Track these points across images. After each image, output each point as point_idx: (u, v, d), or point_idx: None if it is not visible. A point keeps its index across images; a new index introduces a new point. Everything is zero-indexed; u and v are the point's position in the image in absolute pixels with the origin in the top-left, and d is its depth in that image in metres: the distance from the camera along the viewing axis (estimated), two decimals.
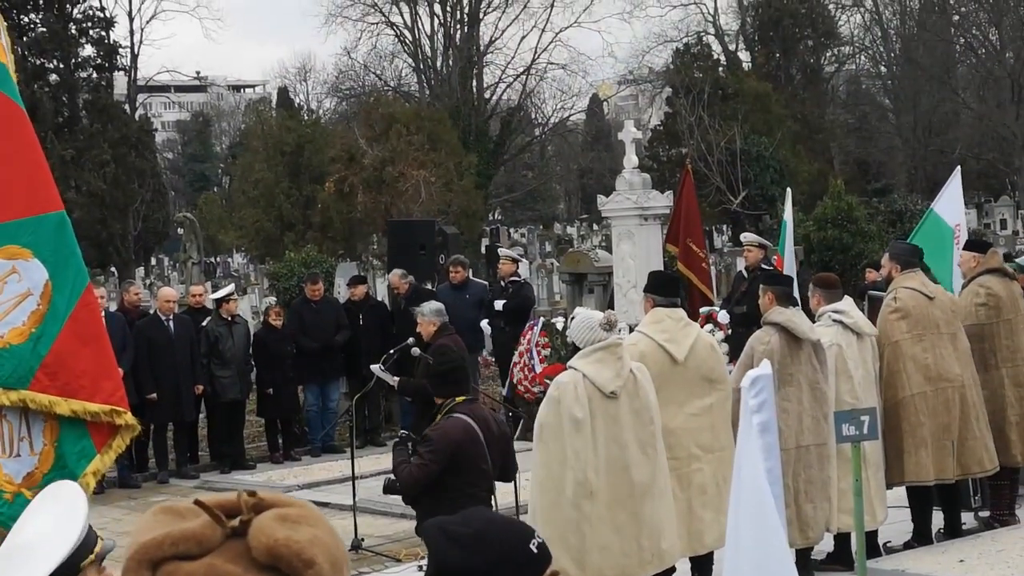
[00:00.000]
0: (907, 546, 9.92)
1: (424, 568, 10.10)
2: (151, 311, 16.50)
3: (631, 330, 11.52)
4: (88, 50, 47.69)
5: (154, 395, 14.77)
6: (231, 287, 18.18)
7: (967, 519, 10.51)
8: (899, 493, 10.18)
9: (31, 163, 6.39)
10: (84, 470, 6.25)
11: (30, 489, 5.92)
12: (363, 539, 11.07)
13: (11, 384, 6.13)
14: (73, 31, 46.83)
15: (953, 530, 10.12)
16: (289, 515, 1.61)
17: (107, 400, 6.31)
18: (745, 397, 5.37)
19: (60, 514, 3.20)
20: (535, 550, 2.43)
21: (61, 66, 46.56)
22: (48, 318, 6.19)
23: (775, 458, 6.07)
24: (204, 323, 15.66)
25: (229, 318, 15.77)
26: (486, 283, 19.41)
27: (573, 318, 8.56)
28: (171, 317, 15.23)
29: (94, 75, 47.75)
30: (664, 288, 9.16)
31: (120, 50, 49.67)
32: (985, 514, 10.58)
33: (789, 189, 18.14)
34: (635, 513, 8.02)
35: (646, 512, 8.06)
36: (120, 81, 53.12)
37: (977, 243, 11.69)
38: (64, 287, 6.25)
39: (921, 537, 10.01)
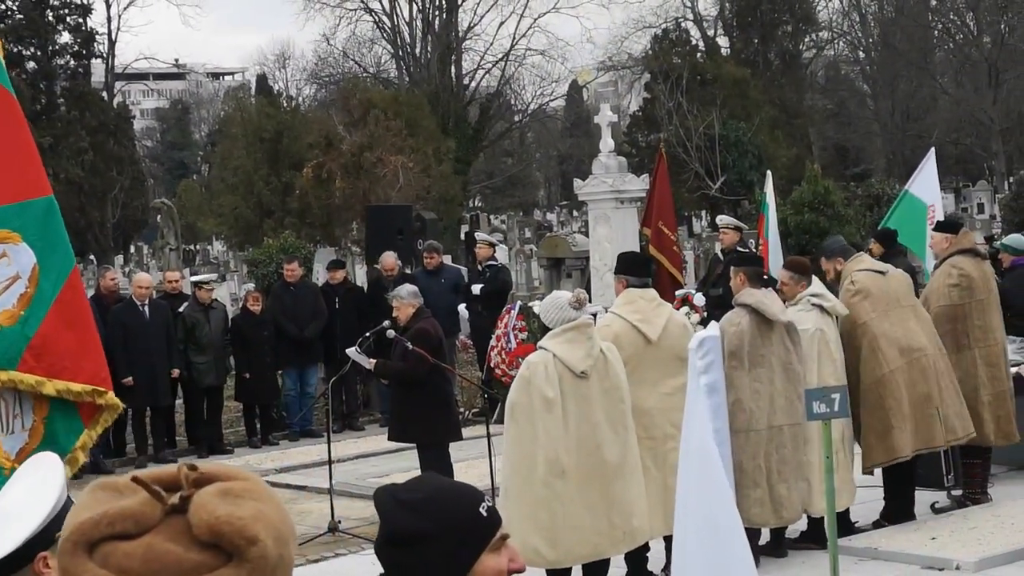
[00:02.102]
0: (876, 525, 9.99)
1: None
2: (128, 297, 16.49)
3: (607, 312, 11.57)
4: (65, 37, 47.63)
5: (130, 379, 14.76)
6: (211, 276, 18.18)
7: (940, 498, 10.59)
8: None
9: (21, 148, 6.51)
10: (73, 445, 6.38)
11: (21, 464, 6.04)
12: (340, 521, 11.09)
13: (2, 365, 6.25)
14: (50, 18, 46.73)
15: (907, 511, 10.16)
16: (232, 489, 1.57)
17: (89, 380, 6.45)
18: (692, 359, 5.42)
19: (34, 485, 3.20)
20: (484, 513, 2.45)
21: (38, 53, 46.46)
22: (35, 301, 6.33)
23: (722, 418, 6.13)
24: (181, 309, 15.67)
25: (205, 304, 15.81)
26: (459, 268, 19.43)
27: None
28: (146, 302, 15.22)
29: (71, 62, 47.67)
30: (636, 269, 9.19)
31: (97, 37, 49.57)
32: (958, 492, 10.65)
33: (769, 172, 18.19)
34: (606, 492, 8.06)
35: (617, 491, 8.10)
36: (98, 68, 52.97)
37: (949, 224, 11.75)
38: (51, 271, 6.39)
39: (896, 516, 10.06)
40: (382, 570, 2.50)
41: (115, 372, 14.51)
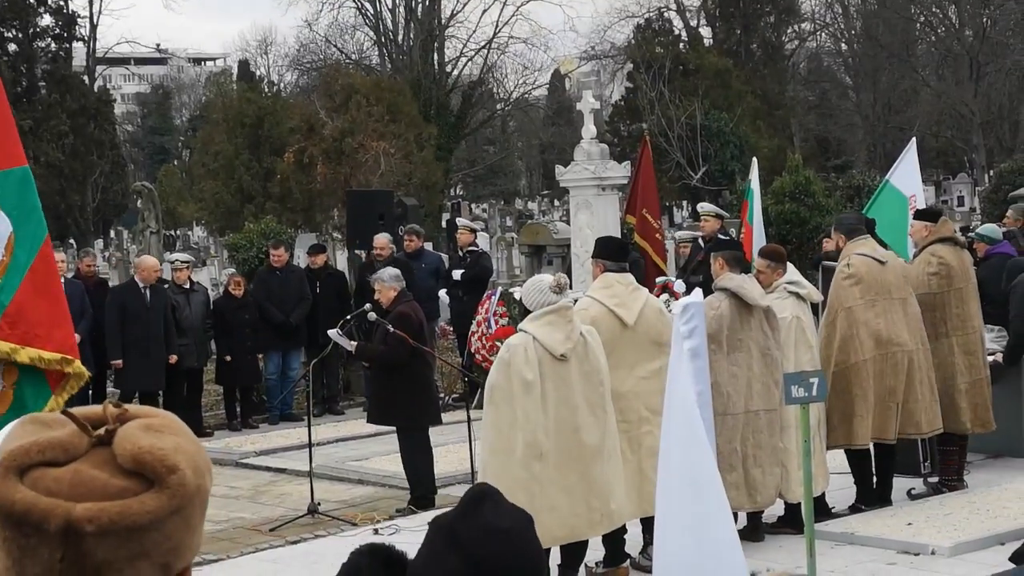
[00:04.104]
0: (853, 509, 10.06)
1: (380, 531, 10.19)
2: (108, 280, 16.49)
3: None
4: (47, 19, 47.42)
5: (119, 362, 14.78)
6: (186, 256, 18.15)
7: (916, 484, 10.67)
8: (843, 459, 10.33)
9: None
10: (42, 410, 6.40)
11: None
12: (319, 503, 11.13)
13: None
14: (31, 0, 46.49)
15: (883, 497, 10.24)
16: (153, 424, 1.68)
17: (58, 348, 6.52)
18: (676, 323, 5.47)
19: None
20: None
21: (19, 35, 46.28)
22: (11, 269, 6.38)
23: (705, 382, 6.18)
24: None
25: (187, 287, 15.84)
26: (440, 255, 19.43)
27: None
28: (148, 286, 15.21)
29: (52, 45, 47.47)
30: (614, 253, 9.22)
31: (79, 20, 49.39)
32: (934, 479, 10.73)
33: (755, 159, 18.20)
34: (584, 474, 8.10)
35: (595, 473, 8.14)
36: (79, 52, 52.78)
37: (928, 212, 11.80)
38: (25, 240, 6.44)
39: (870, 501, 10.14)
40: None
41: (110, 353, 14.68)
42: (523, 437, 7.98)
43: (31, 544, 1.60)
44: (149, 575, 1.64)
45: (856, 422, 9.91)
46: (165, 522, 1.63)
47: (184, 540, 1.67)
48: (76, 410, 1.70)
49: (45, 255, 6.56)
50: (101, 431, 1.66)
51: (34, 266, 6.45)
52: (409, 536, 8.77)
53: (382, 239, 16.58)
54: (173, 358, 15.17)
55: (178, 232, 52.78)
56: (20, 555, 1.61)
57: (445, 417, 12.14)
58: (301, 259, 19.94)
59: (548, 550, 8.31)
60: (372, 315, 11.21)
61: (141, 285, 15.18)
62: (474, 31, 54.31)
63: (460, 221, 19.55)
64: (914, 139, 15.70)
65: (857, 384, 9.93)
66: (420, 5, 52.24)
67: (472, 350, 15.90)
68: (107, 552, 1.60)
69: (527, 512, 2.48)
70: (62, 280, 14.49)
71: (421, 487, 11.14)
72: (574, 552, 8.41)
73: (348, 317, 11.81)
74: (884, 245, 13.20)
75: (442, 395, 14.96)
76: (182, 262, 16.47)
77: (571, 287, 10.60)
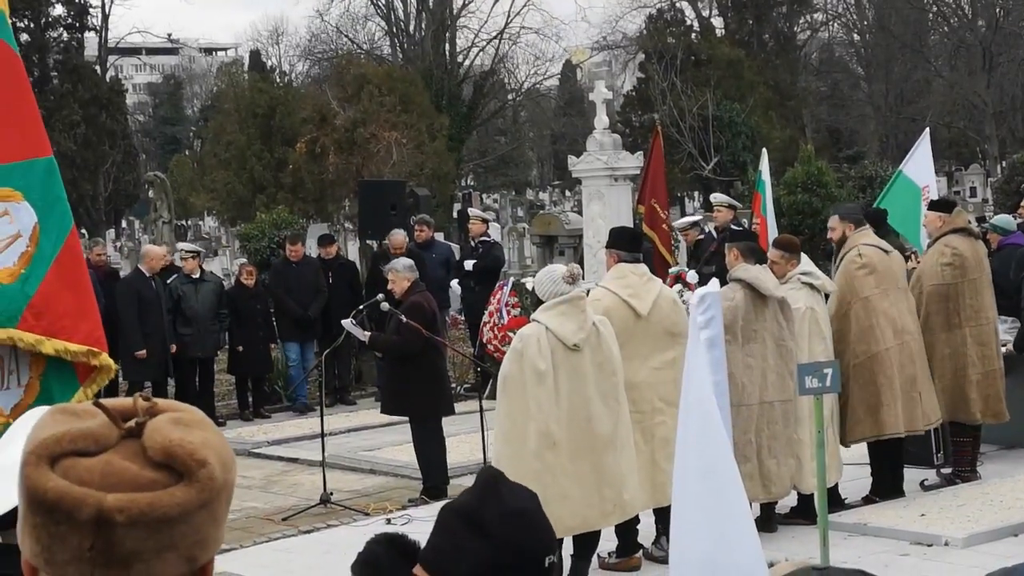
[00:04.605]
0: (867, 501, 10.05)
1: (392, 521, 10.20)
2: (120, 270, 16.50)
3: None
4: (59, 9, 47.46)
5: (143, 352, 14.82)
6: (191, 246, 18.17)
7: (929, 475, 10.66)
8: (856, 450, 10.32)
9: (24, 107, 6.57)
10: (69, 400, 6.40)
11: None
12: (332, 493, 11.15)
13: (1, 323, 6.31)
14: None
15: (895, 488, 10.23)
16: (182, 419, 1.70)
17: (85, 340, 6.53)
18: (694, 313, 5.47)
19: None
20: (545, 564, 2.37)
21: (32, 25, 46.30)
22: (36, 260, 6.39)
23: (722, 372, 6.18)
24: (169, 280, 15.73)
25: (196, 275, 15.87)
26: (450, 245, 19.41)
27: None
28: (154, 276, 15.26)
29: (64, 35, 47.50)
30: (628, 243, 9.22)
31: (91, 10, 49.43)
32: (947, 470, 10.72)
33: (765, 150, 18.18)
34: (597, 464, 8.11)
35: (608, 463, 8.14)
36: (91, 42, 52.80)
37: (942, 203, 11.76)
38: (51, 231, 6.46)
39: (884, 493, 10.13)
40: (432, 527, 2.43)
41: (128, 344, 14.68)
42: (536, 427, 7.99)
43: (61, 532, 1.62)
44: (175, 566, 1.66)
45: (884, 412, 9.88)
46: (193, 515, 1.65)
47: (210, 533, 1.69)
48: (106, 401, 1.72)
49: (71, 246, 6.58)
50: (131, 423, 1.68)
51: (59, 257, 6.46)
52: (421, 526, 8.77)
53: (398, 238, 16.40)
54: (173, 347, 15.24)
55: (190, 222, 52.80)
56: (49, 542, 1.63)
57: (457, 407, 12.14)
58: (312, 249, 19.98)
59: (561, 540, 8.32)
60: (385, 305, 11.21)
61: (148, 275, 15.22)
62: (486, 21, 54.45)
63: (472, 211, 19.55)
64: (927, 129, 15.64)
65: (881, 373, 9.91)
66: None
67: (484, 340, 15.91)
68: (136, 543, 1.62)
69: (532, 490, 2.50)
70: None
71: (433, 477, 11.15)
72: (587, 542, 8.41)
73: (361, 307, 11.81)
74: (896, 236, 13.21)
75: (454, 385, 14.97)
76: (188, 251, 16.49)
77: (583, 277, 10.61)
